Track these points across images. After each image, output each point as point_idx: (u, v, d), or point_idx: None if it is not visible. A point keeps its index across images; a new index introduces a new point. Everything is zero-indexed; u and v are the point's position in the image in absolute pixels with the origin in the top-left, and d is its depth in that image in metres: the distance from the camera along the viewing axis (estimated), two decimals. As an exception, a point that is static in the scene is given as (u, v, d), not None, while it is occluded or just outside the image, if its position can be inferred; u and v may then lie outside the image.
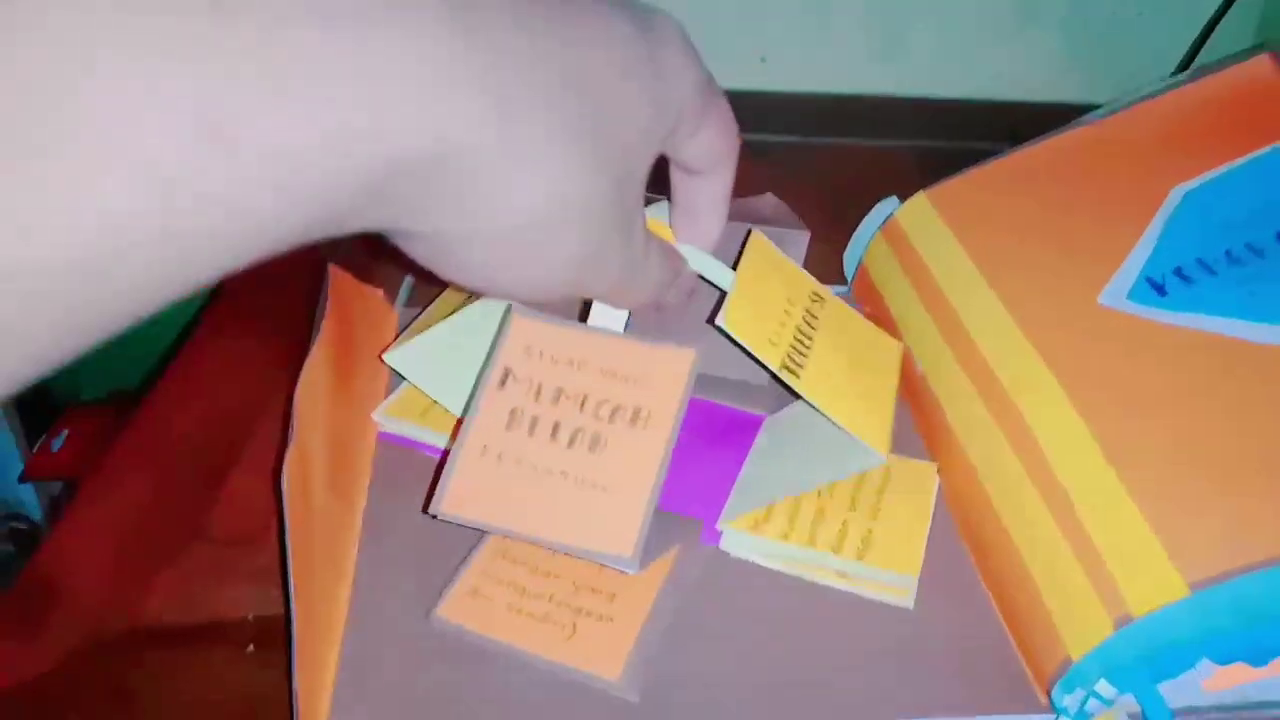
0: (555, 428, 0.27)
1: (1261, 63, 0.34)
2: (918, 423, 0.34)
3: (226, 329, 0.41)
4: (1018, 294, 0.31)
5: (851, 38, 0.61)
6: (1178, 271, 0.29)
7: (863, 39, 0.61)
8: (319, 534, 0.28)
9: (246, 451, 0.35)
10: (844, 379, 0.30)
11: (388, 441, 0.34)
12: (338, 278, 0.36)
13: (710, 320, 0.28)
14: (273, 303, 0.42)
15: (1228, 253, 0.29)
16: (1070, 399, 0.28)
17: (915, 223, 0.37)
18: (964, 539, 0.30)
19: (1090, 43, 0.60)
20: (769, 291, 0.30)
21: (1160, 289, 0.29)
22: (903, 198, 0.39)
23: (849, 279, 0.41)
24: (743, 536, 0.30)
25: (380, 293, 0.40)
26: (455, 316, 0.33)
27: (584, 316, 0.29)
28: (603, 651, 0.27)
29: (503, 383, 0.28)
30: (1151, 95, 0.36)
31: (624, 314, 0.29)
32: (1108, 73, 0.61)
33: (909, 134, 0.58)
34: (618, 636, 0.27)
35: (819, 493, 0.31)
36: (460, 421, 0.28)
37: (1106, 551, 0.24)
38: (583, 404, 0.28)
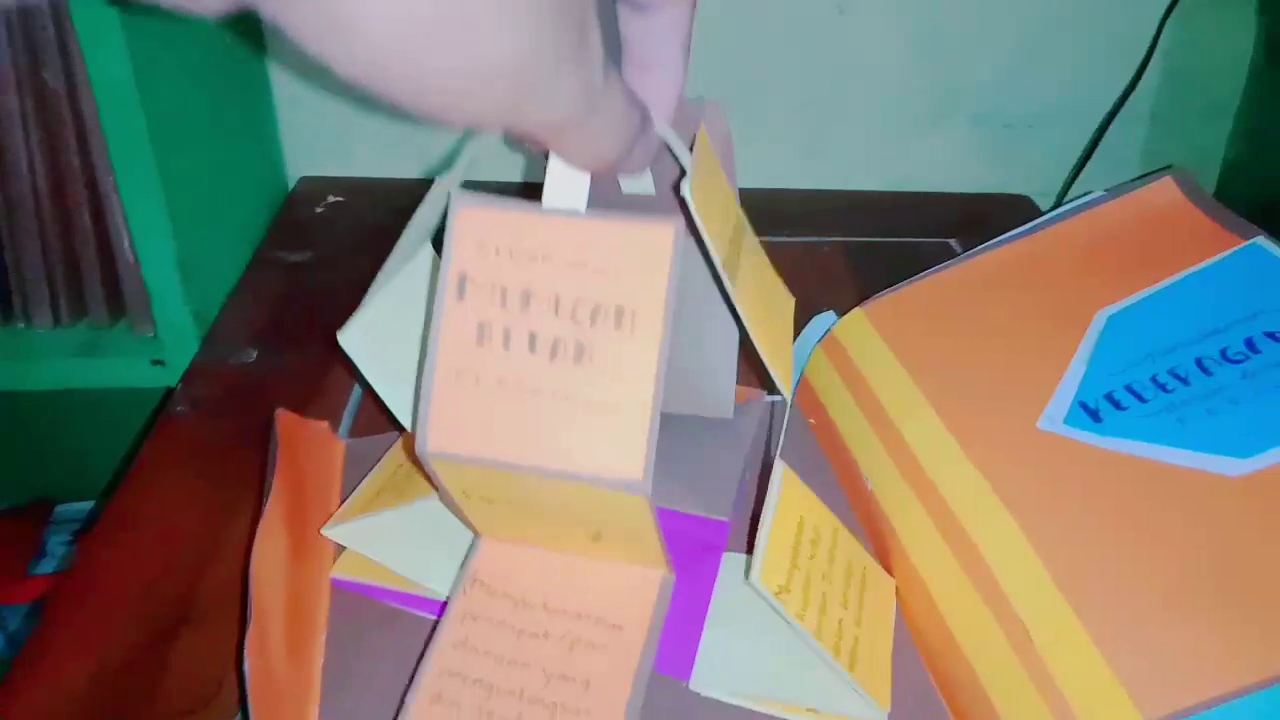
0: (532, 339, 0.24)
1: (1168, 186, 0.37)
2: (870, 539, 0.35)
3: (167, 466, 0.40)
4: (959, 415, 0.33)
5: (780, 135, 0.63)
6: (1109, 397, 0.31)
7: (790, 136, 0.63)
8: (281, 707, 0.27)
9: (196, 606, 0.33)
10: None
11: (342, 589, 0.33)
12: (284, 420, 0.36)
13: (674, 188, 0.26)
14: (212, 435, 0.41)
15: (1154, 379, 0.30)
16: (1022, 528, 0.29)
17: (854, 339, 0.38)
18: (924, 662, 0.31)
19: (995, 139, 0.64)
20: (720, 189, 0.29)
21: (1094, 414, 0.30)
22: (834, 294, 0.40)
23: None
24: (714, 673, 0.30)
25: (325, 425, 0.40)
26: (389, 482, 0.34)
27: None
28: None
29: (461, 291, 0.24)
30: (1068, 215, 0.38)
31: (584, 185, 0.25)
32: (1014, 166, 0.64)
33: (835, 228, 0.60)
34: None
35: (824, 575, 0.30)
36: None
37: (1069, 691, 0.25)
38: (556, 306, 0.24)
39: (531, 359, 0.24)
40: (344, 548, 0.34)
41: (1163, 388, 0.30)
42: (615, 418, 0.24)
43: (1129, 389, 0.30)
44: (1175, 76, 0.61)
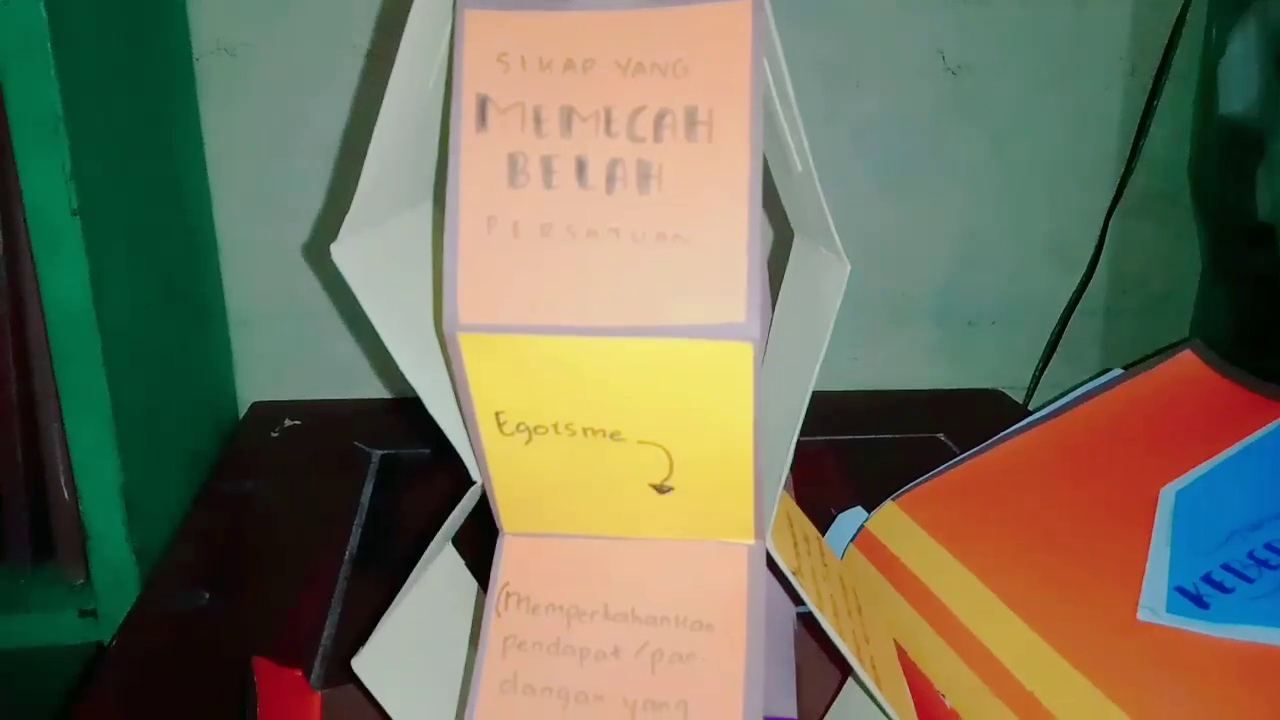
0: (580, 167, 0.19)
1: (1190, 360, 0.36)
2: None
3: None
4: (1041, 613, 0.30)
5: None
6: (1209, 579, 0.28)
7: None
8: None
9: None
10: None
11: None
12: (262, 670, 0.30)
13: None
14: (158, 694, 0.35)
15: (1252, 555, 0.28)
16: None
17: (895, 535, 0.35)
18: None
19: (958, 337, 0.65)
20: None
21: (1198, 600, 0.28)
22: (834, 494, 0.38)
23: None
24: None
25: (299, 674, 0.34)
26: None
27: None
28: None
29: (482, 120, 0.19)
30: (1087, 396, 0.37)
31: None
32: (978, 362, 0.65)
33: (816, 430, 0.58)
34: None
35: (824, 576, 0.25)
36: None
37: None
38: (608, 122, 0.19)
39: (582, 193, 0.19)
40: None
41: (1265, 564, 0.28)
42: (700, 251, 0.19)
43: (1228, 569, 0.28)
44: (1123, 272, 0.63)
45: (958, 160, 0.60)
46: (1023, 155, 0.60)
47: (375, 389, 0.59)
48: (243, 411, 0.58)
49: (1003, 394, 0.64)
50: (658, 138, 0.19)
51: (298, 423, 0.56)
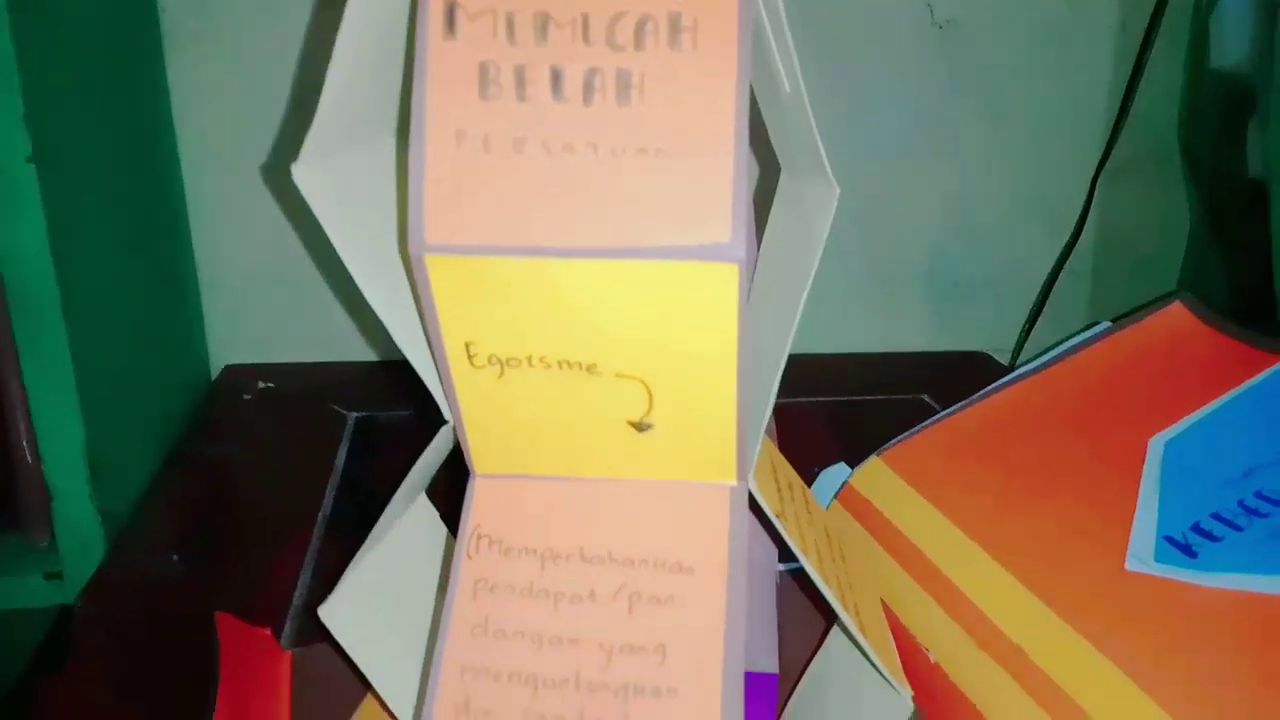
0: (556, 78, 0.18)
1: (1179, 311, 0.35)
2: (937, 722, 0.30)
3: (69, 701, 0.32)
4: (1028, 565, 0.29)
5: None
6: (1197, 529, 0.27)
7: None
8: None
9: None
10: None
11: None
12: (226, 626, 0.29)
13: None
14: (125, 657, 0.34)
15: (1241, 504, 0.27)
16: (1144, 688, 0.24)
17: (878, 490, 0.35)
18: None
19: (945, 300, 0.64)
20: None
21: (1186, 549, 0.27)
22: (819, 453, 0.38)
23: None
24: None
25: (267, 633, 0.33)
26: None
27: None
28: None
29: (450, 26, 0.18)
30: (1078, 348, 0.37)
31: None
32: (964, 325, 0.64)
33: (800, 392, 0.58)
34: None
35: (808, 521, 0.24)
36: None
37: None
38: (585, 29, 0.18)
39: (558, 106, 0.18)
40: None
41: (1255, 512, 0.27)
42: (683, 167, 0.17)
43: (1218, 518, 0.27)
44: (1110, 233, 0.63)
45: (945, 120, 0.59)
46: (1011, 114, 0.59)
47: (352, 352, 0.58)
48: (215, 374, 0.57)
49: (988, 356, 0.63)
50: (639, 46, 0.18)
51: (271, 385, 0.55)
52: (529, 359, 0.20)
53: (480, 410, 0.21)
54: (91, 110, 0.42)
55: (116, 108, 0.46)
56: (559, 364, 0.20)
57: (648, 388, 0.20)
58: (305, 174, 0.21)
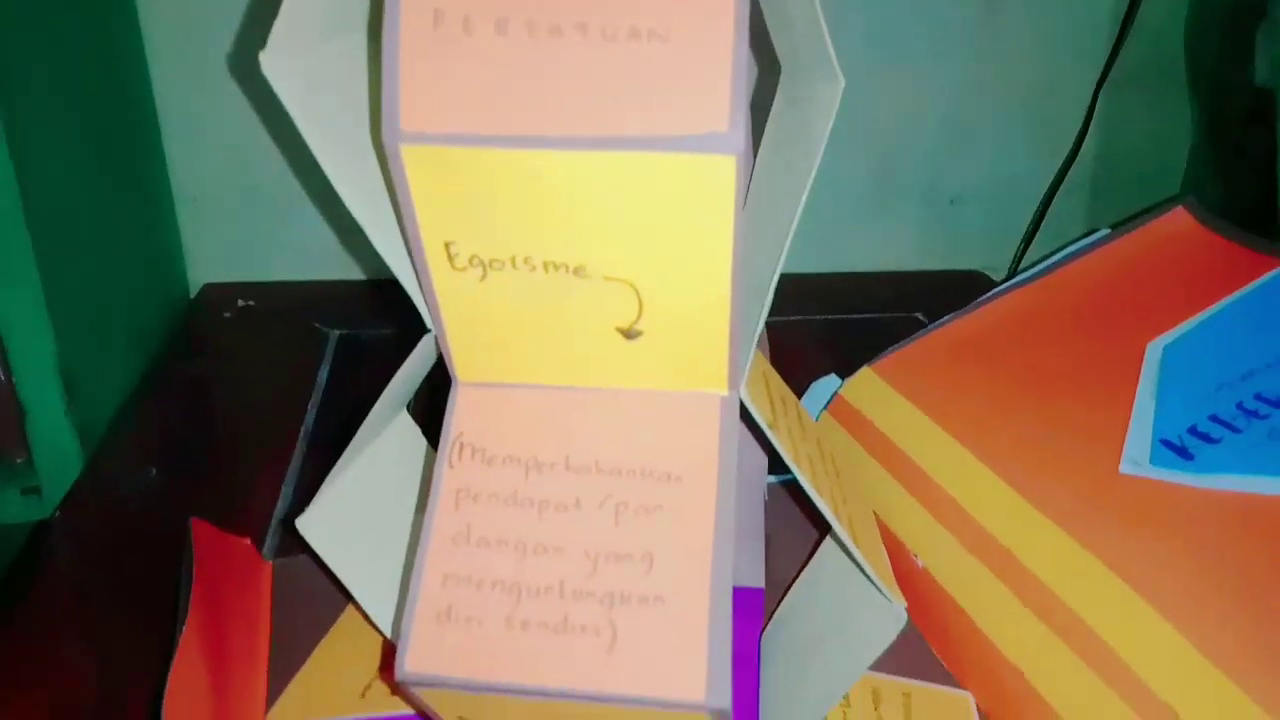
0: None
1: (1181, 216, 0.34)
2: (927, 630, 0.30)
3: (47, 614, 0.32)
4: (1021, 471, 0.28)
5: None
6: (1194, 431, 0.27)
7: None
8: None
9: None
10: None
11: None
12: (200, 533, 0.29)
13: None
14: (103, 571, 0.33)
15: (1240, 406, 0.27)
16: (1141, 595, 0.24)
17: (869, 400, 0.34)
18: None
19: (940, 217, 0.63)
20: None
21: (1182, 451, 0.26)
22: (811, 369, 0.37)
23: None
24: None
25: (247, 542, 0.32)
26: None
27: None
28: (665, 658, 0.18)
29: None
30: (1077, 255, 0.36)
31: None
32: (959, 243, 0.63)
33: (793, 310, 0.57)
34: (681, 628, 0.19)
35: (801, 436, 0.24)
36: None
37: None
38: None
39: None
40: (277, 692, 0.27)
41: (1254, 414, 0.26)
42: (678, 50, 0.16)
43: (1215, 420, 0.27)
44: (1111, 147, 0.61)
45: (944, 28, 0.57)
46: (1011, 23, 0.57)
47: (334, 270, 0.56)
48: (194, 292, 0.55)
49: (982, 274, 0.62)
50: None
51: (251, 303, 0.54)
52: (513, 260, 0.19)
53: (462, 315, 0.20)
54: (51, 14, 0.40)
55: (78, 10, 0.44)
56: (544, 265, 0.19)
57: (637, 292, 0.19)
58: (273, 64, 0.19)
